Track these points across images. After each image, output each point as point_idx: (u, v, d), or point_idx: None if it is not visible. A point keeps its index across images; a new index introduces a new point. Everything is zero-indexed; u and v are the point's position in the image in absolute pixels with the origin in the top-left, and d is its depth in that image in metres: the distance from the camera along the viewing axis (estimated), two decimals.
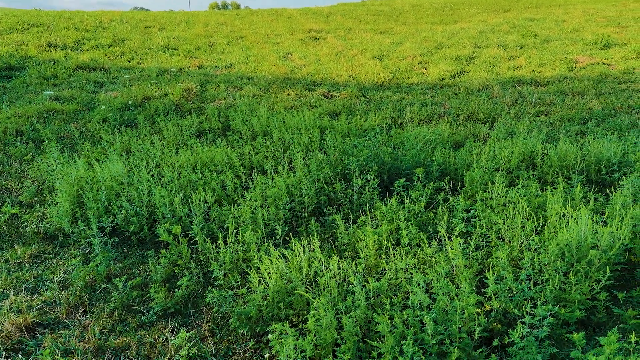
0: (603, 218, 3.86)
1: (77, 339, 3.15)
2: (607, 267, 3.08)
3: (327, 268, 3.30)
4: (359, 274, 3.17)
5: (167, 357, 3.00)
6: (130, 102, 8.84)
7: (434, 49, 15.75)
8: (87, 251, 4.21)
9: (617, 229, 3.34)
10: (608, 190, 4.61)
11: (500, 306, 2.96)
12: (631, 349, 2.57)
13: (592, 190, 4.61)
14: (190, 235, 4.07)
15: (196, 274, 3.75)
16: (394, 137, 6.49)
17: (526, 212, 3.86)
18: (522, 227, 3.69)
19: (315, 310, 2.87)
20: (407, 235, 3.61)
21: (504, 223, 3.79)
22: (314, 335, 2.75)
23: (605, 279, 3.07)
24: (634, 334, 2.51)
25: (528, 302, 2.90)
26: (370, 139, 6.15)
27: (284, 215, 4.36)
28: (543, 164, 5.43)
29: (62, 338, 3.17)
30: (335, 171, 5.24)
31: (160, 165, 5.54)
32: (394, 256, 3.45)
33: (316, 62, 14.05)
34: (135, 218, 4.21)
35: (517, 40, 16.47)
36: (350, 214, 4.55)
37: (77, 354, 3.00)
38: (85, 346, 3.08)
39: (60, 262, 4.05)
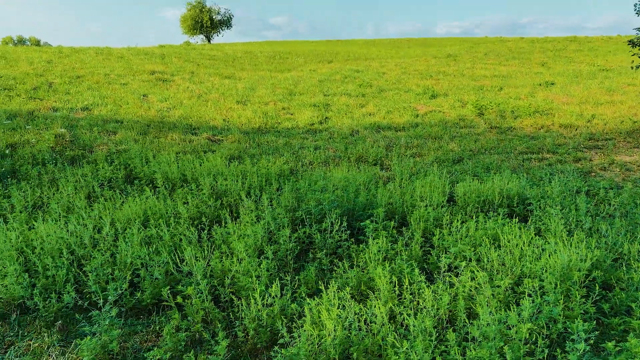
0: (551, 242, 4.55)
1: None
2: (595, 284, 3.67)
3: (372, 314, 3.32)
4: (411, 315, 3.25)
5: None
6: None
7: (288, 96, 16.44)
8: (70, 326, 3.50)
9: (586, 252, 4.00)
10: (522, 220, 5.43)
11: (535, 327, 3.31)
12: None
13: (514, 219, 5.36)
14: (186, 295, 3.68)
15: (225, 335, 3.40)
16: (322, 180, 6.65)
17: (506, 244, 4.35)
18: (513, 256, 4.15)
19: (396, 355, 2.88)
20: (418, 274, 3.80)
21: (487, 257, 4.23)
22: None
23: (595, 295, 3.65)
24: None
25: (556, 322, 3.31)
26: (316, 183, 6.22)
27: (275, 265, 4.20)
28: (462, 200, 6.11)
29: None
30: (294, 216, 5.21)
31: (102, 219, 4.86)
32: (417, 293, 3.62)
33: (181, 106, 13.57)
34: (149, 284, 3.66)
35: (357, 90, 18.08)
36: (326, 258, 4.57)
37: None
38: None
39: (37, 345, 3.30)
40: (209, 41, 58.13)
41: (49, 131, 8.64)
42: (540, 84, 18.10)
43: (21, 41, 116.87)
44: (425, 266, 4.44)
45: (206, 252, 4.19)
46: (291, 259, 4.49)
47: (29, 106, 11.92)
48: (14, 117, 10.31)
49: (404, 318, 3.39)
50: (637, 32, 9.90)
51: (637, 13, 9.71)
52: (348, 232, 4.91)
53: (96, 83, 16.39)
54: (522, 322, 3.27)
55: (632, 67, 10.12)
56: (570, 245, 4.27)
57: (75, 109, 12.17)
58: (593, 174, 8.02)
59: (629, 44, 9.91)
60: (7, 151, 7.49)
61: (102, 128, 10.17)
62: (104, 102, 13.11)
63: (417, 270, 3.85)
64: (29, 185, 5.98)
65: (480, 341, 3.12)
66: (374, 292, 3.86)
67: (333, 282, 3.69)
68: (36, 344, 3.30)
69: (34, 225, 4.59)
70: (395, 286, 3.71)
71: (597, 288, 4.01)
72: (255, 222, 4.95)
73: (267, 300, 3.52)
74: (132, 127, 10.42)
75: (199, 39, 59.32)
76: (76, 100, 13.26)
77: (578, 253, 4.01)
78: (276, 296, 3.51)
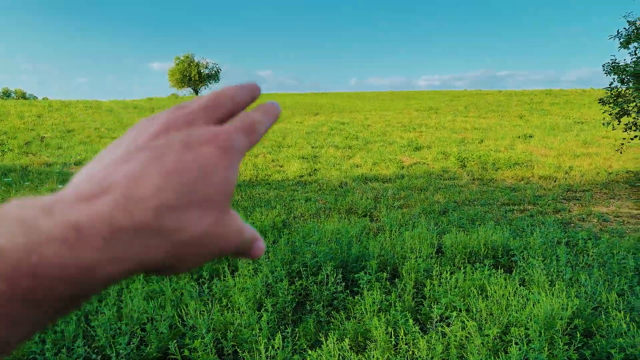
0: (536, 292, 4.81)
1: None
2: (577, 332, 3.92)
3: None
4: None
5: None
6: None
7: (277, 148, 16.88)
8: None
9: (567, 301, 4.27)
10: (507, 270, 5.71)
11: None
12: None
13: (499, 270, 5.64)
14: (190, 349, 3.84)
15: None
16: (316, 233, 6.90)
17: (493, 294, 4.60)
18: (500, 306, 4.40)
19: None
20: (412, 324, 4.02)
21: (476, 307, 4.48)
22: None
23: (577, 342, 3.89)
24: None
25: None
26: (310, 236, 6.47)
27: (274, 318, 4.39)
28: (450, 251, 6.39)
29: None
30: (290, 268, 5.43)
31: None
32: (412, 343, 3.83)
33: None
34: (155, 338, 3.81)
35: (344, 142, 18.62)
36: (323, 309, 4.77)
37: None
38: None
39: None
40: (196, 94, 59.24)
41: (45, 187, 8.82)
42: (519, 137, 18.85)
43: (6, 94, 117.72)
44: (419, 317, 4.65)
45: (209, 305, 4.37)
46: (290, 311, 4.68)
47: (22, 161, 12.11)
48: (8, 173, 10.48)
49: None
50: (607, 90, 10.59)
51: (605, 73, 10.42)
52: (343, 284, 5.13)
53: (87, 137, 16.68)
54: None
55: (603, 124, 10.76)
56: (553, 295, 4.54)
57: (69, 164, 12.39)
58: (572, 224, 8.40)
59: (599, 102, 10.59)
60: None
61: None
62: None
63: (411, 321, 4.06)
64: None
65: None
66: (371, 343, 4.05)
67: (331, 333, 3.89)
68: None
69: None
70: (391, 336, 3.92)
71: (579, 335, 4.26)
72: (253, 275, 5.15)
73: (270, 353, 3.70)
74: None
75: (187, 91, 60.45)
76: (69, 154, 13.49)
77: (560, 302, 4.28)
78: (279, 348, 3.69)
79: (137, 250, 0.30)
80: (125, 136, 0.38)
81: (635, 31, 9.96)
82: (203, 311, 4.10)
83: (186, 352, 3.65)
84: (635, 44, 10.00)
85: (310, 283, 5.06)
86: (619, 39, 10.21)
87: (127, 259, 0.30)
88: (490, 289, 4.80)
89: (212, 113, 0.39)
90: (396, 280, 5.25)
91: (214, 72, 61.41)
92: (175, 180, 0.32)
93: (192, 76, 58.27)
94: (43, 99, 33.21)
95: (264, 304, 4.51)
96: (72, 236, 0.28)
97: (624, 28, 10.15)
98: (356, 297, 4.84)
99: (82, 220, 0.29)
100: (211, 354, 3.75)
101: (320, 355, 3.62)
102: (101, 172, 0.33)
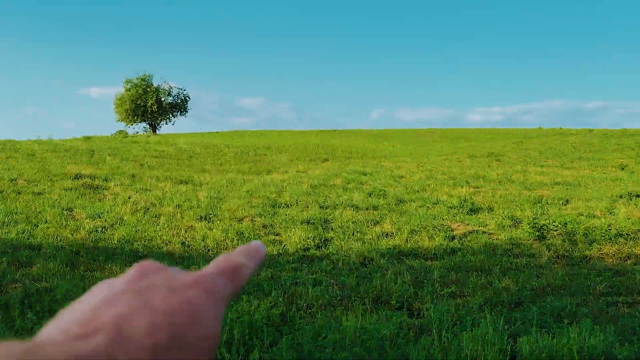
0: None
1: None
2: None
3: None
4: None
5: None
6: None
7: (270, 208, 16.99)
8: None
9: None
10: None
11: None
12: None
13: None
14: None
15: None
16: (331, 333, 6.87)
17: None
18: None
19: None
20: None
21: None
22: None
23: None
24: None
25: None
26: (322, 337, 6.43)
27: None
28: None
29: None
30: None
31: None
32: None
33: (121, 224, 14.00)
34: None
35: (366, 200, 18.71)
36: None
37: None
38: None
39: None
40: (154, 131, 60.14)
41: None
42: (621, 196, 18.90)
43: None
44: None
45: None
46: None
47: None
48: None
49: None
50: None
51: None
52: None
53: None
54: None
55: None
56: None
57: None
58: None
59: None
60: None
61: (12, 257, 10.43)
62: (12, 220, 13.49)
63: None
64: None
65: None
66: None
67: None
68: None
69: None
70: None
71: None
72: None
73: None
74: (55, 256, 10.67)
75: (140, 127, 61.42)
76: None
77: None
78: None
79: None
80: (90, 293, 0.49)
81: None
82: None
83: None
84: None
85: None
86: None
87: None
88: None
89: None
90: None
91: (179, 100, 62.56)
92: (166, 321, 0.42)
93: (149, 106, 59.24)
94: None
95: None
96: None
97: None
98: None
99: (84, 354, 0.38)
100: None
101: None
102: (86, 315, 0.44)
